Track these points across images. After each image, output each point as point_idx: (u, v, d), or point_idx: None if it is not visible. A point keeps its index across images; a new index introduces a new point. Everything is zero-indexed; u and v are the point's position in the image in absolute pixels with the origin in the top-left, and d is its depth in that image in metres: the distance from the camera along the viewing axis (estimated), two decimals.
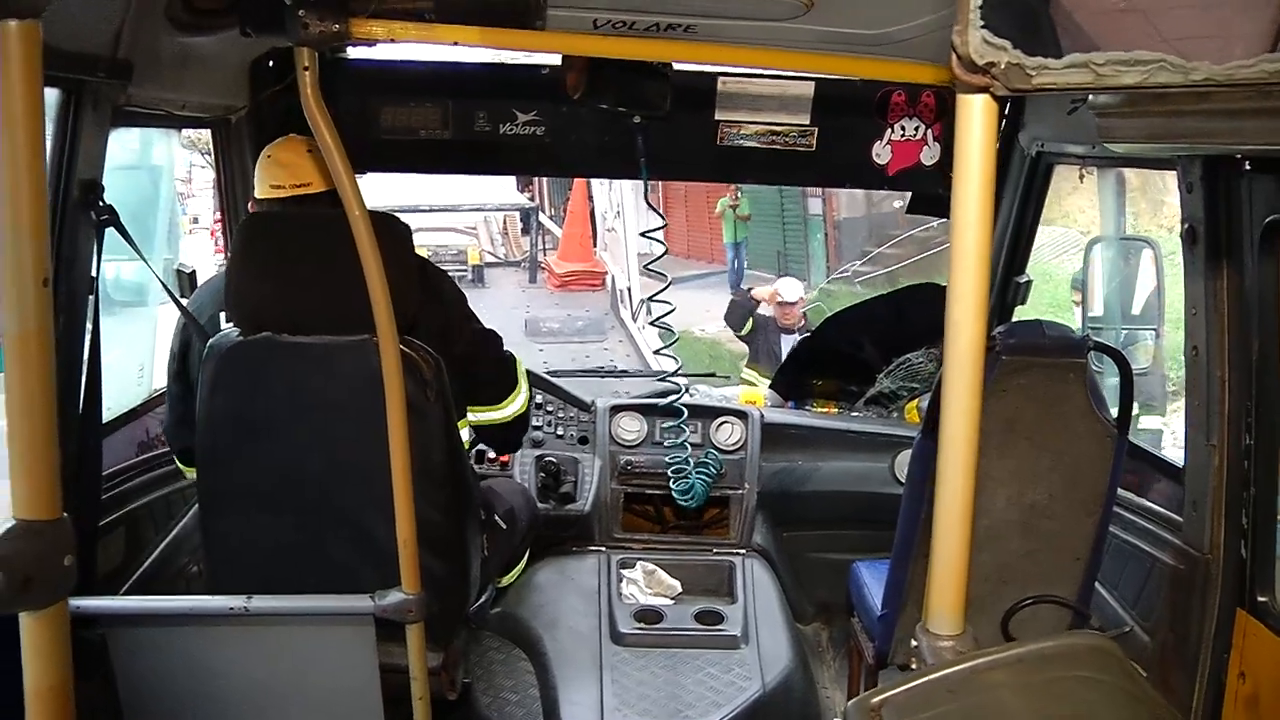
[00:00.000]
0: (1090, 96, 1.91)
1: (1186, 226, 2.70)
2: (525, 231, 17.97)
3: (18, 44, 1.28)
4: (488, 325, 3.13)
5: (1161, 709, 1.37)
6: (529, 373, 3.41)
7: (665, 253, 4.47)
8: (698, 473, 4.23)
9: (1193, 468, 2.81)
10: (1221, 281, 2.65)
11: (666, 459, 4.28)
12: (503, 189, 17.91)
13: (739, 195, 18.40)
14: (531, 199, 21.59)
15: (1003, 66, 1.22)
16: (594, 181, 16.24)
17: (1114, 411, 2.79)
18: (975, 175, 1.32)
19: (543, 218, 18.08)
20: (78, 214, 2.56)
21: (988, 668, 1.35)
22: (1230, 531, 2.70)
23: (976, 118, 1.29)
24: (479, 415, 3.14)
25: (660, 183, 22.06)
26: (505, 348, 3.19)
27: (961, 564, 1.46)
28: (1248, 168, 2.50)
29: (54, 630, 1.44)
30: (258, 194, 2.91)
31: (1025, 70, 1.22)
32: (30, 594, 1.40)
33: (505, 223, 18.14)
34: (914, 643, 1.47)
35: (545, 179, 23.40)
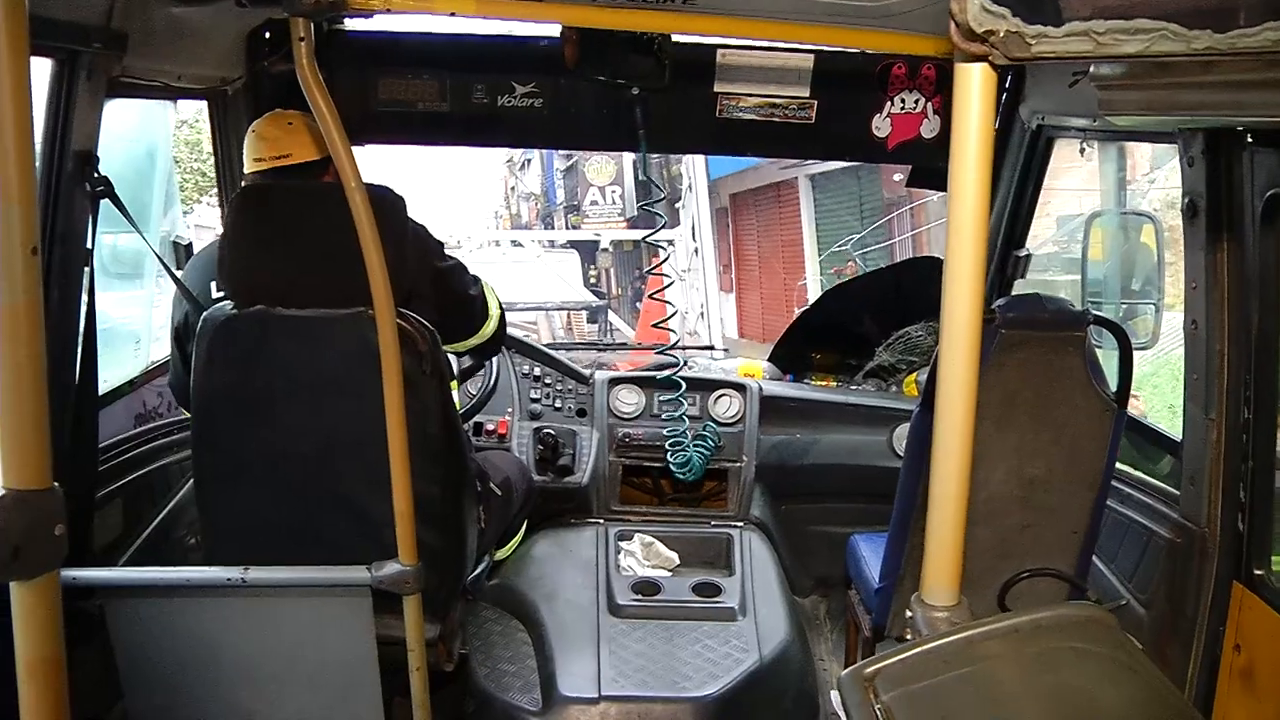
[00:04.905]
0: (1091, 68, 1.89)
1: (1187, 200, 2.69)
2: (591, 320, 17.18)
3: (2, 10, 1.27)
4: None
5: (1156, 680, 1.37)
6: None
7: (665, 224, 4.45)
8: (695, 446, 4.23)
9: (1191, 442, 2.81)
10: (1222, 255, 2.64)
11: (664, 431, 4.28)
12: (567, 282, 16.86)
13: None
14: (596, 282, 20.37)
15: (1001, 35, 1.20)
16: (675, 281, 14.86)
17: (1113, 385, 2.78)
18: (973, 147, 1.30)
19: (612, 315, 17.17)
20: (72, 185, 2.55)
21: (982, 638, 1.35)
22: (1227, 505, 2.70)
23: (975, 88, 1.28)
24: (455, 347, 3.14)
25: (733, 261, 21.69)
26: (473, 277, 3.14)
27: (957, 536, 1.46)
28: (1250, 140, 2.48)
29: (45, 601, 1.43)
30: (245, 169, 2.93)
31: (1024, 38, 1.20)
32: (19, 564, 1.39)
33: (569, 315, 17.42)
34: (909, 614, 1.47)
35: (612, 265, 22.94)
